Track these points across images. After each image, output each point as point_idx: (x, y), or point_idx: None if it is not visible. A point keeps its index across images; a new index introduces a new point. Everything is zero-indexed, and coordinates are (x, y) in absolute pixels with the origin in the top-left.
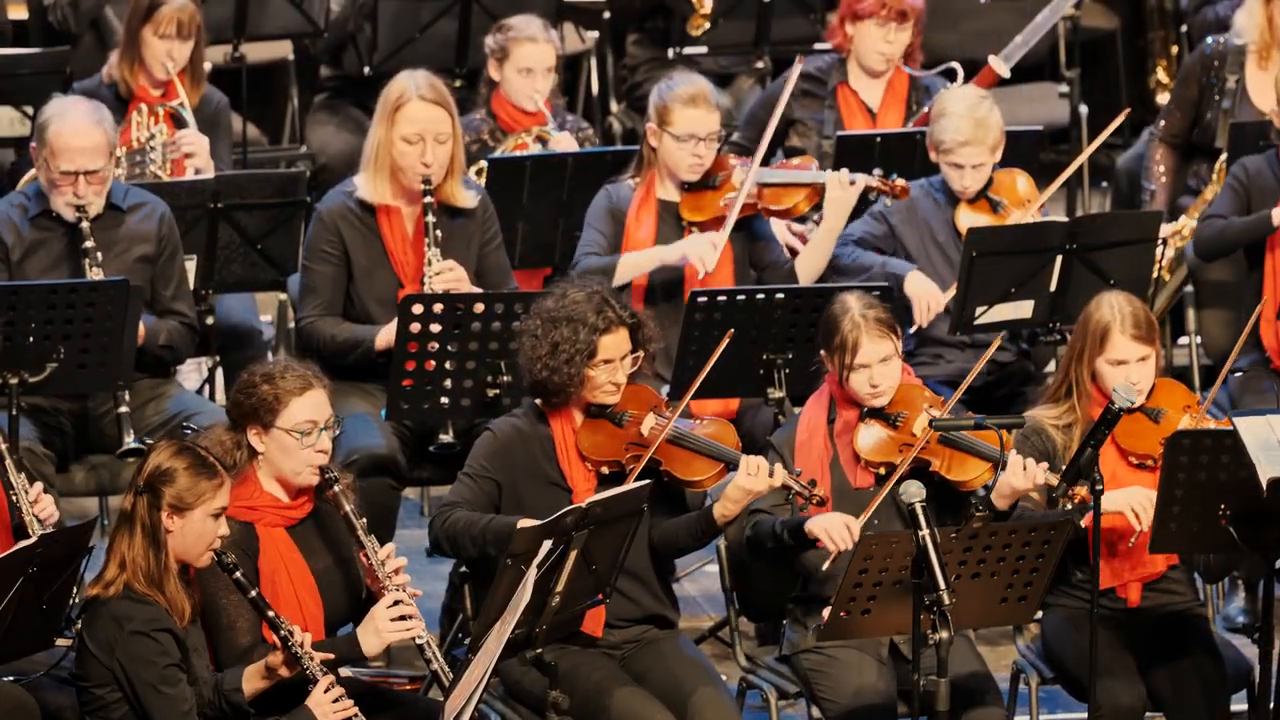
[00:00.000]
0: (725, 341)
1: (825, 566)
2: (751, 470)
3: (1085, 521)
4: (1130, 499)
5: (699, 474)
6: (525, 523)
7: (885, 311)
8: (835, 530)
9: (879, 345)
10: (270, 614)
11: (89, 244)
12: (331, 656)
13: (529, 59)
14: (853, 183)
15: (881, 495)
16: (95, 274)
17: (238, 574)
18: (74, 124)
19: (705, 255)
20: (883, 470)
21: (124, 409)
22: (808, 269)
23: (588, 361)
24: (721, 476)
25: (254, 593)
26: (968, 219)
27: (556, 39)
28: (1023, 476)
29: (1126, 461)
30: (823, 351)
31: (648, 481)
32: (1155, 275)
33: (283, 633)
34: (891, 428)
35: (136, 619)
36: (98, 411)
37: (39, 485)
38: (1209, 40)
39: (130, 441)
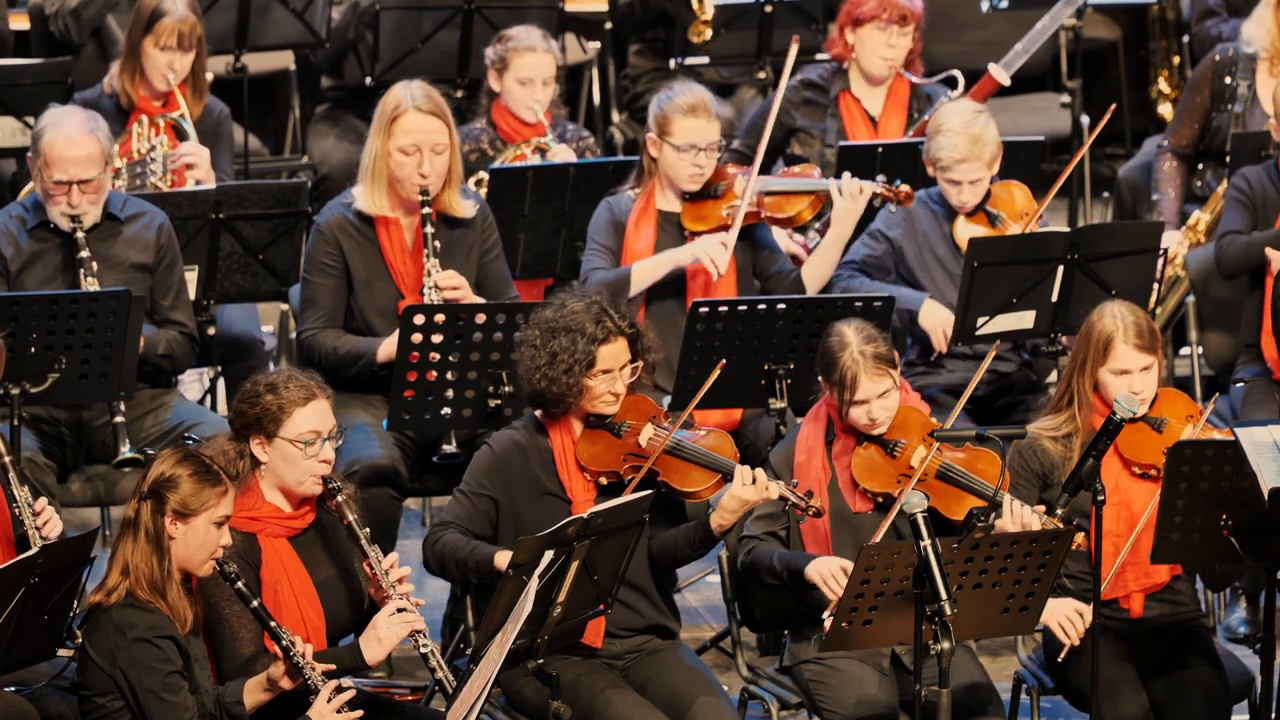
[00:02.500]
0: (716, 373)
1: (825, 615)
2: (746, 480)
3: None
4: (1055, 613)
5: (696, 485)
6: (503, 555)
7: (884, 344)
8: (832, 579)
9: (878, 382)
10: (272, 624)
11: (84, 254)
12: (333, 667)
13: (528, 69)
14: (861, 190)
15: (884, 527)
16: (90, 284)
17: (239, 584)
18: (68, 133)
19: (716, 255)
20: (881, 499)
21: (119, 419)
22: (814, 277)
23: (586, 372)
24: (719, 488)
25: (255, 603)
26: (965, 232)
27: (557, 50)
28: (1017, 520)
29: (1129, 471)
30: (821, 379)
31: (649, 492)
32: (1170, 274)
33: (284, 643)
34: (889, 456)
35: (139, 626)
36: (96, 422)
37: (44, 499)
38: (1220, 47)
39: (126, 451)
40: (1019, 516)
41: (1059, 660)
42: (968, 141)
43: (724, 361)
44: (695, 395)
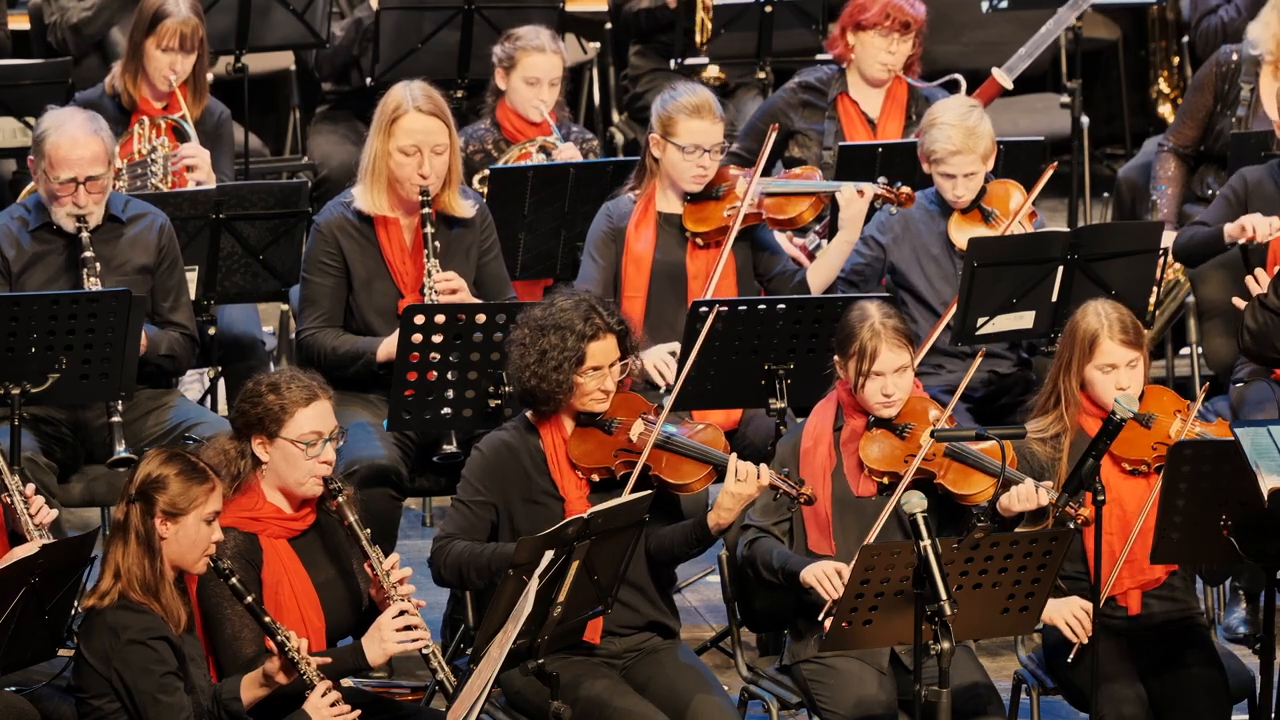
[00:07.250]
0: (710, 321)
1: (821, 617)
2: (740, 475)
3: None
4: (1063, 611)
5: (687, 477)
6: None
7: (902, 322)
8: (827, 579)
9: (896, 355)
10: (266, 620)
11: (87, 254)
12: (329, 661)
13: (536, 69)
14: (861, 192)
15: (887, 512)
16: (92, 284)
17: (234, 579)
18: (72, 133)
19: (662, 366)
20: (886, 480)
21: (116, 418)
22: (819, 280)
23: (576, 369)
24: (710, 479)
25: (250, 598)
26: (959, 231)
27: (564, 51)
28: (1024, 496)
29: (1119, 468)
30: (837, 357)
31: (649, 492)
32: (1170, 277)
33: (279, 638)
34: (898, 438)
35: (133, 628)
36: (96, 422)
37: (31, 486)
38: (1224, 49)
39: (120, 451)
40: (1027, 490)
41: (1069, 660)
42: (961, 134)
43: (717, 308)
44: (688, 358)
